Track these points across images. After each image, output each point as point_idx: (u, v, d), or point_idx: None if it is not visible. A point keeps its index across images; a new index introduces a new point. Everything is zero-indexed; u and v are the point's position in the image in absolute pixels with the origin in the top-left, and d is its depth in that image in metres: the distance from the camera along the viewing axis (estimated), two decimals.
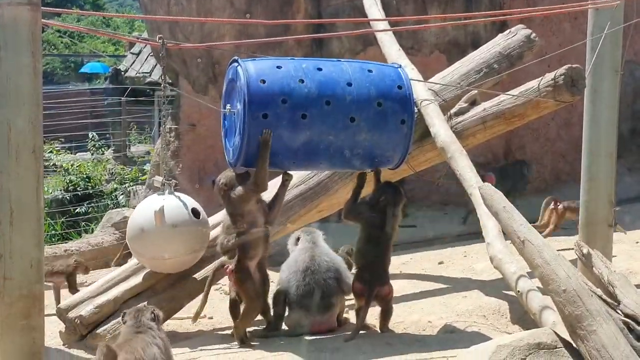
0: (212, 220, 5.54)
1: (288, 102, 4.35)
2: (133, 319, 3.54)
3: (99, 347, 3.34)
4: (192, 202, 5.11)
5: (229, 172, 4.68)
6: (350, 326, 5.05)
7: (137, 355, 3.26)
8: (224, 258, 4.82)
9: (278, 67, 4.49)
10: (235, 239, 4.64)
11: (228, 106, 4.63)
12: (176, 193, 5.15)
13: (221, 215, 5.59)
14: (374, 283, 4.73)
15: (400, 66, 4.91)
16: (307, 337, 4.82)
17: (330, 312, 4.94)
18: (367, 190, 4.97)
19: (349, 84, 4.49)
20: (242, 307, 4.77)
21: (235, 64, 4.53)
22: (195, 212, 5.04)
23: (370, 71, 4.64)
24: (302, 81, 4.41)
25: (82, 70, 31.37)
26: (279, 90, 4.36)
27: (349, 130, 4.47)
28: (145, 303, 4.38)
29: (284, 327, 5.04)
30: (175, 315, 5.40)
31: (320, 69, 4.53)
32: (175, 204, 5.02)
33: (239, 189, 4.58)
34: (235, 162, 4.57)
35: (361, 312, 4.73)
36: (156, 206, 4.95)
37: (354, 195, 4.88)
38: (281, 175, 4.78)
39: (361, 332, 4.79)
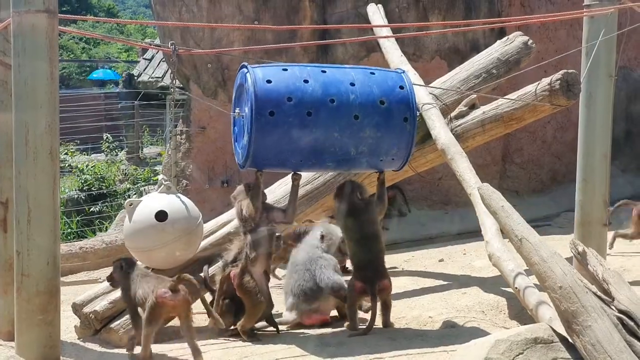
0: (218, 220, 5.67)
1: (293, 100, 4.46)
2: (131, 268, 4.59)
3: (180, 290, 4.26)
4: (165, 205, 5.08)
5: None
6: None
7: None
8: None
9: (284, 69, 4.66)
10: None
11: (237, 110, 4.75)
12: (178, 194, 5.21)
13: (227, 216, 5.73)
14: (374, 279, 4.78)
15: (403, 71, 5.01)
16: (313, 332, 4.92)
17: (315, 303, 5.05)
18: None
19: (352, 84, 4.60)
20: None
21: (244, 70, 4.66)
22: (161, 215, 5.04)
23: (372, 73, 4.78)
24: (307, 81, 4.54)
25: (94, 77, 31.40)
26: (284, 89, 4.48)
27: (353, 127, 4.56)
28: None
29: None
30: None
31: (324, 72, 4.68)
32: (145, 204, 5.10)
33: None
34: (244, 163, 4.68)
35: (370, 310, 4.78)
36: (133, 202, 5.12)
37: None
38: (290, 176, 4.92)
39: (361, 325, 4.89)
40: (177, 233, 5.05)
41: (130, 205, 5.12)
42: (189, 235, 5.13)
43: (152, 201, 5.12)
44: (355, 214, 4.83)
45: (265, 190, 5.05)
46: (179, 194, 5.25)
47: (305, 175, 5.49)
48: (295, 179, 4.89)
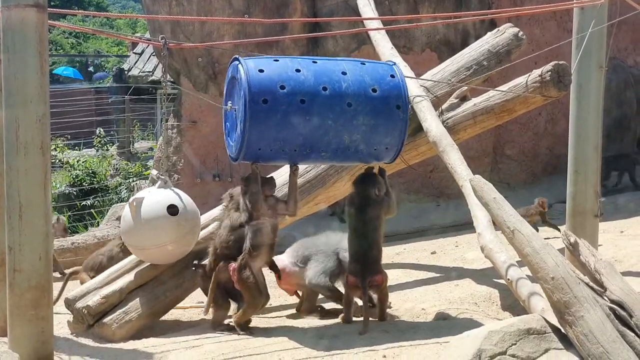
0: (210, 214, 5.65)
1: (286, 88, 4.44)
2: None
3: None
4: (173, 199, 5.06)
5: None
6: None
7: None
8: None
9: (275, 60, 4.65)
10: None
11: (229, 103, 4.71)
12: (174, 188, 5.18)
13: (219, 210, 5.71)
14: (365, 274, 4.77)
15: (394, 63, 4.99)
16: (308, 325, 4.92)
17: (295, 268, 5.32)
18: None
19: (344, 73, 4.60)
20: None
21: (236, 62, 4.64)
22: (172, 208, 5.02)
23: (363, 64, 4.79)
24: (299, 70, 4.53)
25: (63, 73, 31.25)
26: (277, 77, 4.46)
27: (347, 115, 4.53)
28: None
29: None
30: (179, 305, 5.52)
31: (315, 62, 4.68)
32: (154, 199, 5.03)
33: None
34: (238, 154, 4.62)
35: (362, 304, 4.77)
36: (137, 199, 5.04)
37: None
38: (288, 167, 4.91)
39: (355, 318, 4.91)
40: (188, 226, 5.08)
41: (134, 204, 5.03)
42: (196, 229, 5.17)
43: (158, 197, 5.06)
44: (361, 205, 4.83)
45: None
46: (174, 189, 5.22)
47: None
48: (294, 172, 4.87)
